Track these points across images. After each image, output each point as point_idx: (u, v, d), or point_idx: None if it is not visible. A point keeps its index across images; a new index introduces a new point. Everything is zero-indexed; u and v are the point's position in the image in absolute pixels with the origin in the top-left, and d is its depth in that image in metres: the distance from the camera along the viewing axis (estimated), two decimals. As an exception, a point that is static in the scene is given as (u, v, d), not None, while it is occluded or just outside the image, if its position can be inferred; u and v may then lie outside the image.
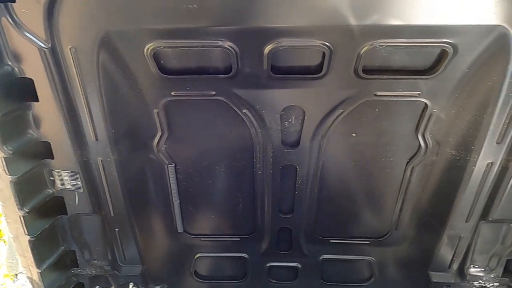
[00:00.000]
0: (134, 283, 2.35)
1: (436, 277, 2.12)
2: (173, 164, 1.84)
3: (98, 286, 2.36)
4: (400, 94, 1.47)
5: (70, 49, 1.30)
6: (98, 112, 1.50)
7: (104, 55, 1.34)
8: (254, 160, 1.81)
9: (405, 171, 1.82)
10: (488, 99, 1.42)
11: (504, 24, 1.20)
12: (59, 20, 1.24)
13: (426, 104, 1.52)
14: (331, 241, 2.20)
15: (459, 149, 1.64)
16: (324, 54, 1.32)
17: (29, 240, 1.75)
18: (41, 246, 1.82)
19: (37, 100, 1.44)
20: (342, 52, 1.32)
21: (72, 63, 1.33)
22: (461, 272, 2.08)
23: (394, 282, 2.32)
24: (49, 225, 1.84)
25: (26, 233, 1.72)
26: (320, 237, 2.19)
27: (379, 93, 1.47)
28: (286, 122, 1.65)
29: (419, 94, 1.47)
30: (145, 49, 1.32)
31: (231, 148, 1.78)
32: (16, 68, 1.35)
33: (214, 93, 1.49)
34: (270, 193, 1.95)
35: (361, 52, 1.31)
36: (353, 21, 1.21)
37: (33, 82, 1.38)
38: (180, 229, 2.18)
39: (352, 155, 1.79)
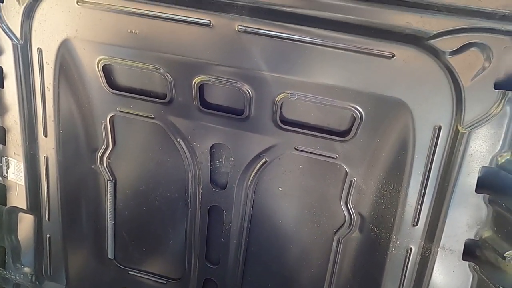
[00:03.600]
0: (55, 306, 2.28)
1: None
2: (113, 181, 1.93)
3: (18, 299, 2.31)
4: (318, 153, 1.51)
5: (37, 49, 1.57)
6: (51, 110, 1.69)
7: (63, 59, 1.57)
8: (186, 194, 1.85)
9: (332, 242, 1.75)
10: (400, 175, 1.42)
11: (402, 98, 1.27)
12: (33, 23, 1.53)
13: (346, 170, 1.55)
14: (258, 311, 2.05)
15: (380, 226, 1.58)
16: (244, 97, 1.45)
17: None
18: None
19: (2, 87, 1.68)
20: (260, 98, 1.44)
21: (37, 62, 1.59)
22: None
23: None
24: (-15, 211, 1.94)
25: None
26: (247, 302, 2.05)
27: (299, 147, 1.53)
28: (217, 161, 1.72)
29: (336, 157, 1.51)
30: (97, 61, 1.53)
31: (167, 177, 1.85)
32: None
33: (153, 116, 1.64)
34: (198, 235, 1.93)
35: (277, 101, 1.42)
36: (266, 70, 1.36)
37: (2, 70, 1.63)
38: (110, 255, 2.16)
39: (279, 211, 1.78)
